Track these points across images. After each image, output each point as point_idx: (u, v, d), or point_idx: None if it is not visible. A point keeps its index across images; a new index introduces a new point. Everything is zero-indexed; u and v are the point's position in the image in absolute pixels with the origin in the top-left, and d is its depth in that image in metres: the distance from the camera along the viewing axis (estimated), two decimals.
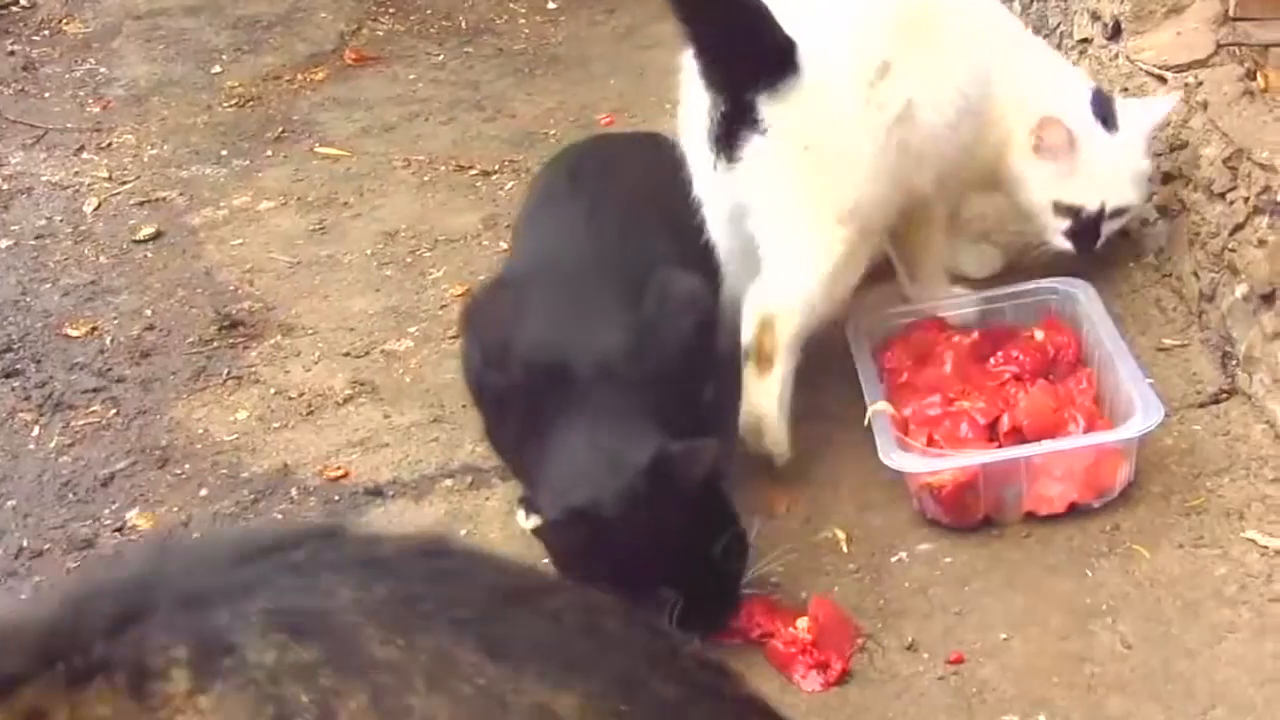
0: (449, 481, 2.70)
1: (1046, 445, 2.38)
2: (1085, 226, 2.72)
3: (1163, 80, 2.91)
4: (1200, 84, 2.83)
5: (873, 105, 2.49)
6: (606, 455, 2.16)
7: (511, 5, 5.08)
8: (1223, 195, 2.70)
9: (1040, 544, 2.38)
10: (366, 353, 3.14)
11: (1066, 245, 2.74)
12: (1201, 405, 2.63)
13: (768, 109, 2.43)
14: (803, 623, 2.18)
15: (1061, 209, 2.71)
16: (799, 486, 2.57)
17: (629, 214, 2.50)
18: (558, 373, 2.26)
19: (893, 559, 2.39)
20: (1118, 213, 2.74)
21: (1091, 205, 2.71)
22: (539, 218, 2.62)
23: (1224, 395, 2.64)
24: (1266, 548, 2.29)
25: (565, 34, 4.79)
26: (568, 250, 2.45)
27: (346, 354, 3.14)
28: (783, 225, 2.53)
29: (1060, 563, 2.33)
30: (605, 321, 2.32)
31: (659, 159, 2.81)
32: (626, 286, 2.38)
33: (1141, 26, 3.04)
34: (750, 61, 2.43)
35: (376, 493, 2.69)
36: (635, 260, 2.43)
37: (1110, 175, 2.72)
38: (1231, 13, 2.93)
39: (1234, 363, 2.68)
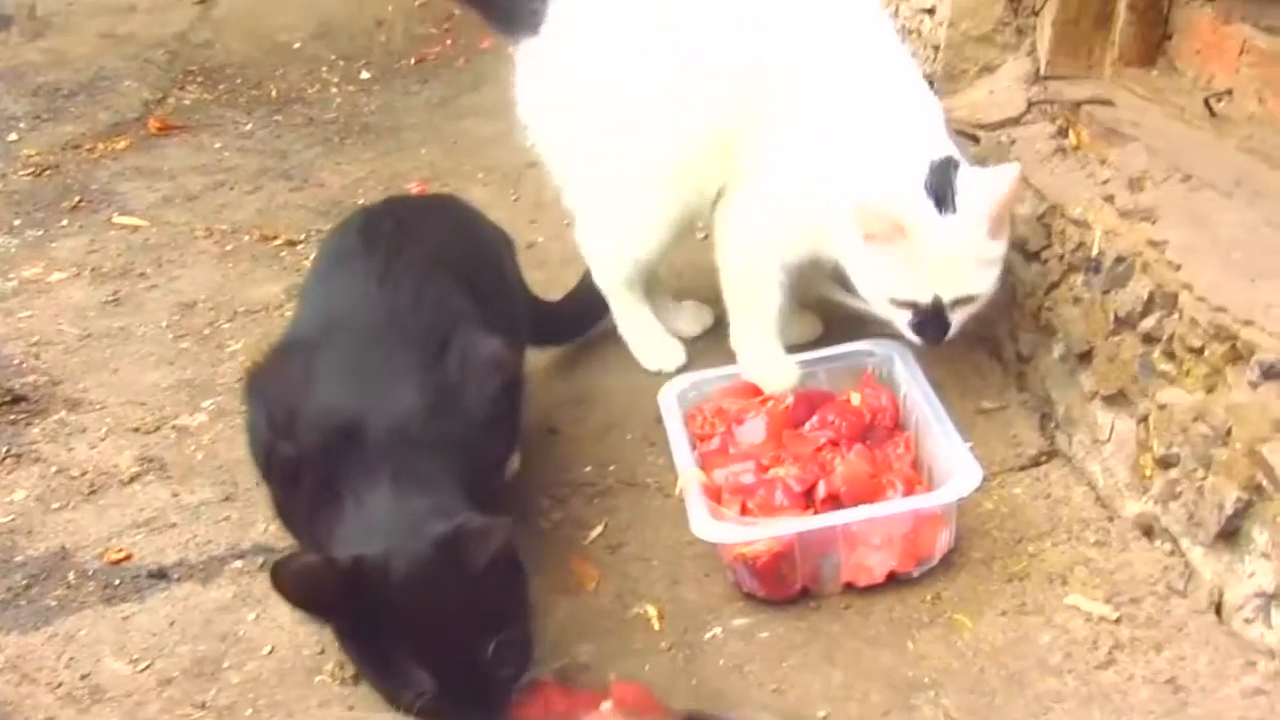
0: (239, 563, 2.53)
1: (863, 511, 2.27)
2: (928, 318, 2.46)
3: (975, 140, 2.87)
4: (1013, 142, 2.79)
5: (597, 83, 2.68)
6: (408, 516, 1.99)
7: (324, 75, 5.00)
8: (1037, 254, 2.65)
9: (860, 615, 2.27)
10: (157, 428, 2.97)
11: (914, 338, 2.51)
12: (1022, 468, 2.57)
13: (519, 55, 2.77)
14: (606, 707, 2.02)
15: (898, 301, 2.47)
16: (608, 561, 2.44)
17: (425, 274, 2.37)
18: (352, 437, 2.10)
19: (707, 635, 2.26)
20: (964, 301, 2.46)
21: (924, 299, 2.44)
22: (329, 278, 2.47)
23: (1044, 457, 2.59)
24: (1090, 613, 2.21)
25: (378, 104, 4.72)
26: (360, 311, 2.30)
27: (135, 430, 2.96)
28: (560, 173, 2.86)
29: (880, 635, 2.23)
30: (403, 384, 2.17)
31: (456, 220, 2.71)
32: (424, 348, 2.25)
33: (954, 86, 3.01)
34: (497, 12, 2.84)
35: (160, 575, 2.51)
36: (433, 321, 2.29)
37: (946, 265, 2.41)
38: (1042, 71, 2.90)
39: (1053, 424, 2.62)
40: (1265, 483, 2.07)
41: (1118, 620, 2.20)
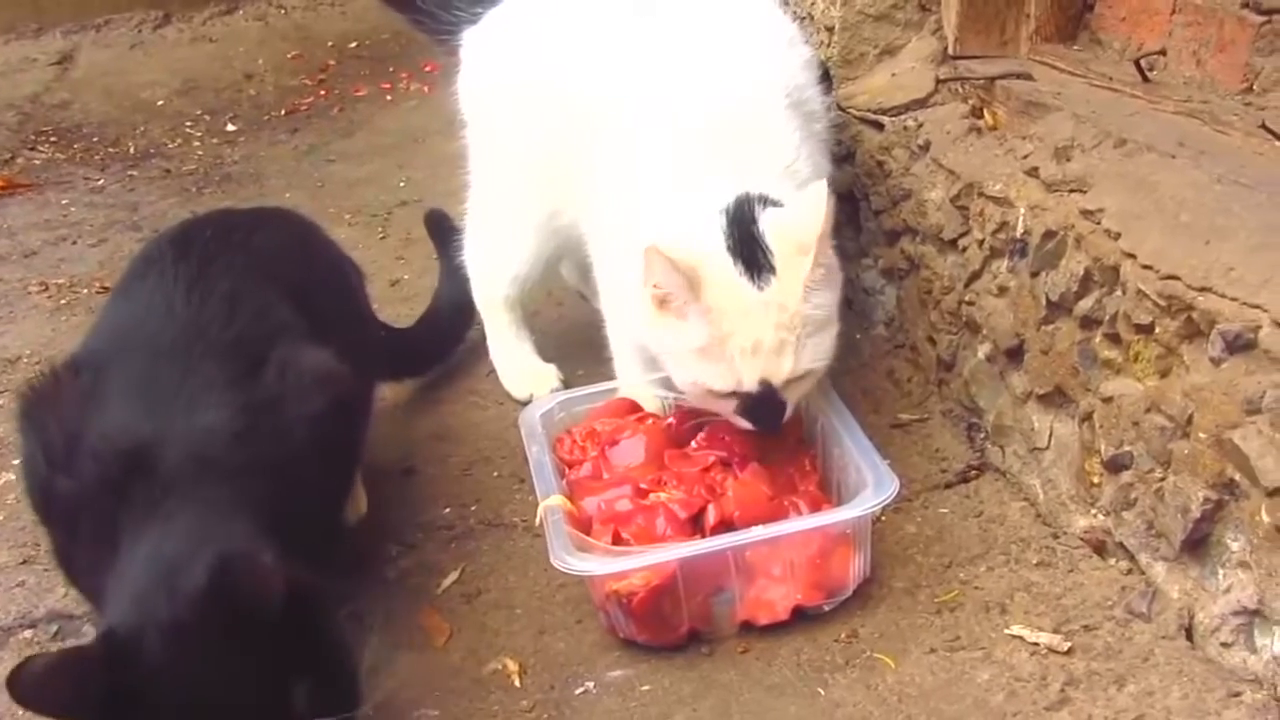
0: (28, 633, 2.17)
1: (758, 533, 1.90)
2: (759, 403, 1.99)
3: (879, 127, 2.53)
4: (920, 125, 2.45)
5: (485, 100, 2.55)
6: (165, 569, 1.60)
7: (187, 130, 4.67)
8: (954, 242, 2.31)
9: (761, 660, 1.92)
10: None
11: (747, 425, 2.02)
12: (948, 485, 2.25)
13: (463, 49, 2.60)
14: None
15: (716, 393, 1.99)
16: (463, 612, 2.09)
17: (243, 283, 2.02)
18: (140, 468, 1.74)
19: (577, 691, 1.90)
20: (800, 376, 1.99)
21: (747, 384, 1.96)
22: (130, 289, 2.09)
23: (973, 472, 2.27)
24: (1037, 644, 1.88)
25: (242, 154, 4.39)
26: (160, 323, 1.94)
27: None
28: None
29: (786, 681, 1.88)
30: (203, 402, 1.82)
31: (290, 232, 2.37)
32: (235, 363, 1.90)
33: (852, 72, 2.67)
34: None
35: None
36: (248, 334, 1.94)
37: (764, 345, 1.94)
38: (951, 50, 2.57)
39: (981, 435, 2.29)
40: (1238, 477, 1.74)
41: (1069, 651, 1.87)
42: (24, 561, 2.34)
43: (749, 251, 1.92)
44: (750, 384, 1.95)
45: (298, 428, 1.87)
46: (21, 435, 1.95)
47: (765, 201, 1.97)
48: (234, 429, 1.80)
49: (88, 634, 2.12)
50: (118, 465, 1.75)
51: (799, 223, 1.92)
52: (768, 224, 1.93)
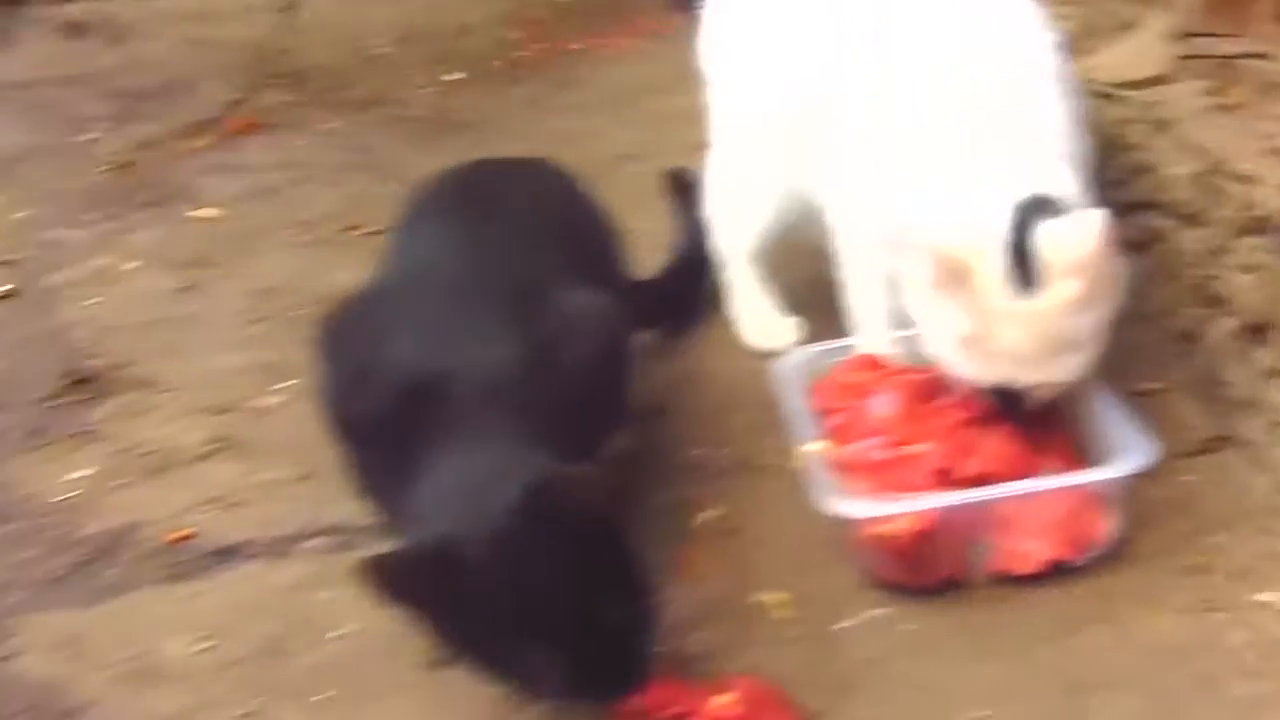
0: (313, 542, 2.33)
1: (1021, 486, 1.99)
2: (1001, 392, 2.07)
3: (1117, 100, 2.58)
4: (1161, 101, 2.50)
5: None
6: (477, 482, 1.76)
7: (410, 78, 4.80)
8: (1197, 217, 2.36)
9: (1014, 608, 2.00)
10: (230, 409, 2.77)
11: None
12: (1191, 454, 2.27)
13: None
14: (725, 698, 1.77)
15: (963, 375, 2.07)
16: (722, 546, 2.20)
17: (522, 230, 2.18)
18: (433, 393, 1.89)
19: (836, 627, 2.01)
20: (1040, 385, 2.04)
21: (990, 384, 2.06)
22: (415, 229, 2.26)
23: (1217, 443, 2.29)
24: None
25: (464, 103, 4.51)
26: (448, 262, 2.10)
27: (206, 410, 2.77)
28: None
29: (1041, 629, 1.96)
30: (491, 337, 1.96)
31: (552, 181, 2.51)
32: (519, 303, 2.03)
33: (1091, 44, 2.72)
34: None
35: (227, 553, 2.33)
36: (530, 276, 2.09)
37: (1014, 354, 2.01)
38: (1190, 27, 2.60)
39: (1224, 407, 2.33)
40: None
41: None
42: (303, 477, 2.48)
43: (1022, 258, 1.96)
44: (993, 385, 2.04)
45: (577, 367, 2.00)
46: (319, 358, 2.11)
47: (1053, 208, 2.00)
48: (522, 365, 1.93)
49: (372, 546, 2.27)
50: (416, 393, 1.90)
51: (1073, 241, 1.95)
52: (1044, 235, 1.96)
